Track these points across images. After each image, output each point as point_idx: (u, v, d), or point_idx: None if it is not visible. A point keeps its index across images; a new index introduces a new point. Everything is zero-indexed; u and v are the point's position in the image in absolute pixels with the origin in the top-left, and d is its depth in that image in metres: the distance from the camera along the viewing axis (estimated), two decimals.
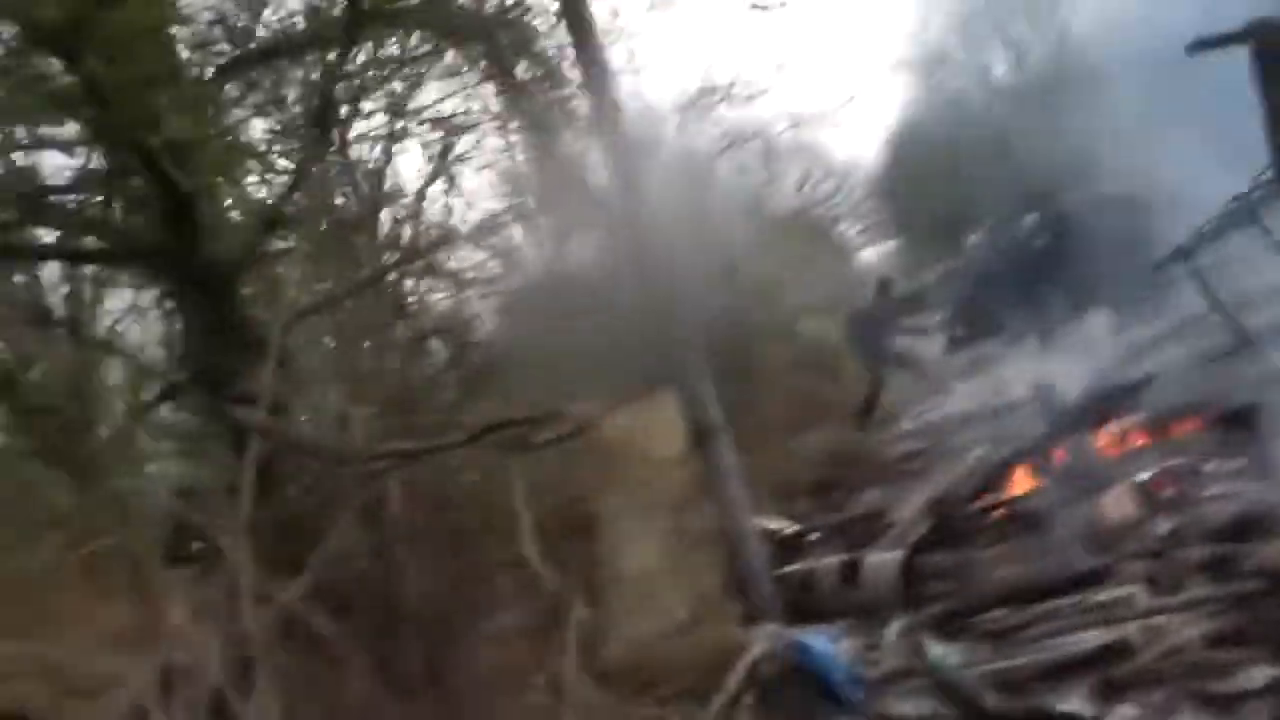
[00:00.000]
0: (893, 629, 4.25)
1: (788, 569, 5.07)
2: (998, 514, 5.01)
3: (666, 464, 4.57)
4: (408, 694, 3.42)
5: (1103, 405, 5.50)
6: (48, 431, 4.69)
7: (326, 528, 3.46)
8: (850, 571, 4.87)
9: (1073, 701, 3.31)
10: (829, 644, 4.08)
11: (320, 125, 4.86)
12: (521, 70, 6.62)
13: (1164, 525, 4.18)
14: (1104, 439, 5.18)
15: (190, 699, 2.99)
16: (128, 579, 3.46)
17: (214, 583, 3.40)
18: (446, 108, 6.71)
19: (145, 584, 3.42)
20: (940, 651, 3.85)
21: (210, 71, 5.18)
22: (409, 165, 7.30)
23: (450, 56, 6.30)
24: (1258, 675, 3.06)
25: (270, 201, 5.17)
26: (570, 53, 5.80)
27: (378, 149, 6.58)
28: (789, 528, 5.86)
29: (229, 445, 4.07)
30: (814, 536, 5.78)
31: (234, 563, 3.15)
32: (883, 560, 4.87)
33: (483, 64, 6.51)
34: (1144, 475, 4.57)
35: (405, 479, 3.62)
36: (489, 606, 3.82)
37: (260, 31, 5.36)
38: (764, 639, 4.25)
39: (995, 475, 5.25)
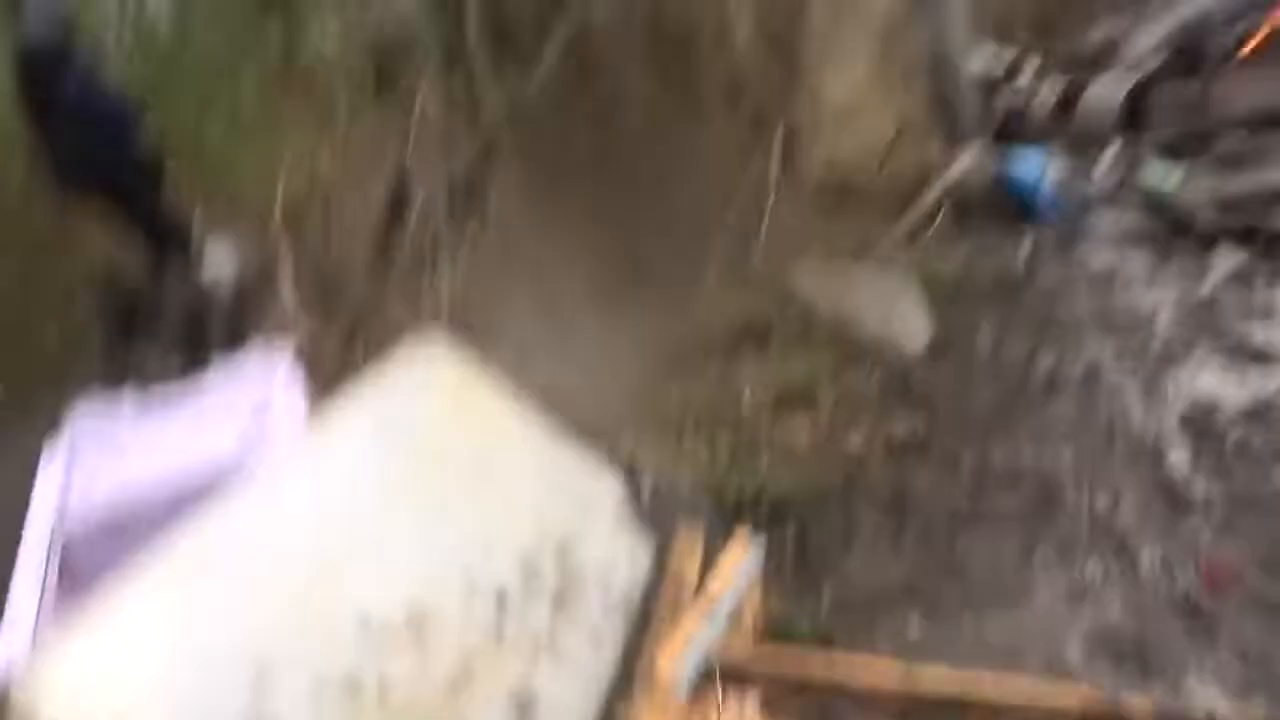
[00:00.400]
0: (1110, 150, 4.10)
1: (1000, 96, 4.82)
2: (1258, 40, 4.45)
3: None
4: (625, 187, 3.69)
5: None
6: None
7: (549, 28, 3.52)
8: (1071, 98, 4.58)
9: None
10: (1036, 163, 4.02)
11: None
12: None
13: None
14: None
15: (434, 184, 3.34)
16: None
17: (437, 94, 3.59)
18: None
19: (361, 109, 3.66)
20: (1160, 170, 3.72)
21: None
22: None
23: None
24: None
25: None
26: None
27: None
28: (1004, 58, 5.45)
29: None
30: (1032, 68, 5.37)
31: (473, 57, 3.29)
32: (1108, 87, 4.54)
33: None
34: None
35: None
36: (699, 114, 3.91)
37: None
38: (966, 159, 4.23)
39: None
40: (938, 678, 1.45)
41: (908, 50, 4.62)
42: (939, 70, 4.62)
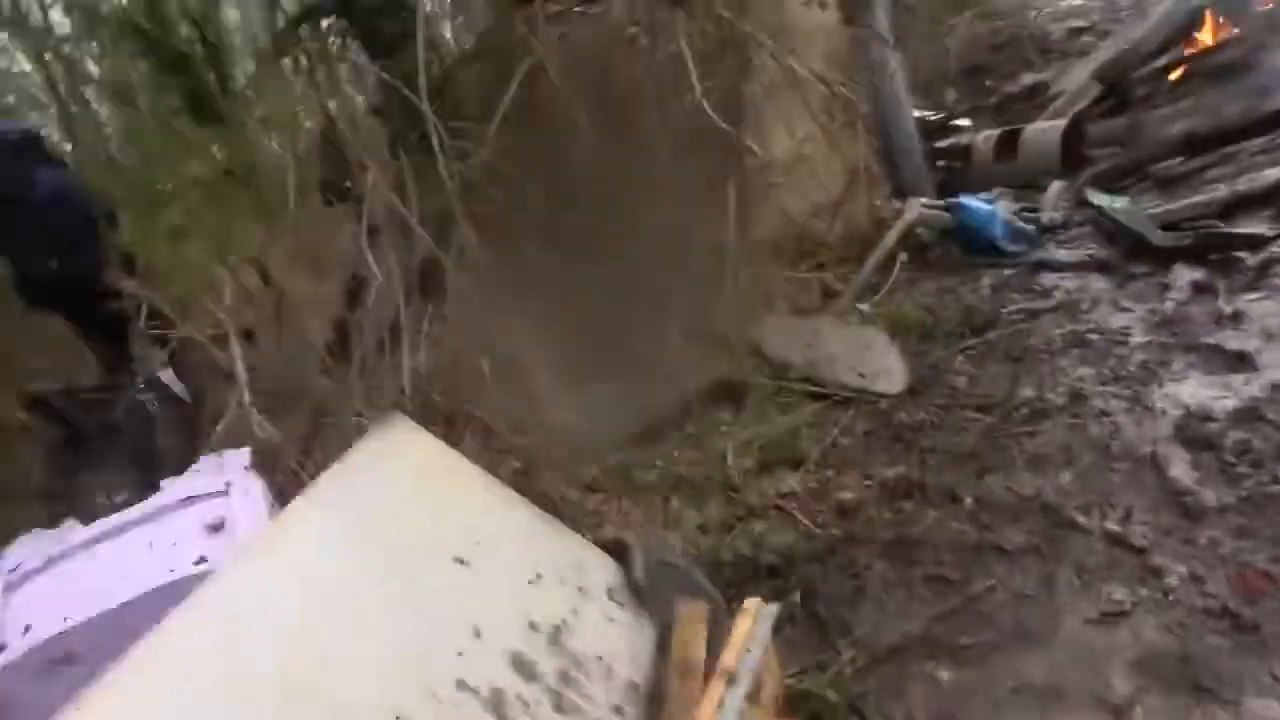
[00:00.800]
0: (1054, 187, 4.17)
1: (941, 144, 4.93)
2: (1181, 71, 4.63)
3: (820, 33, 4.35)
4: (583, 256, 3.64)
5: None
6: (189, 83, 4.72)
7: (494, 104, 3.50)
8: (1009, 141, 4.69)
9: (1250, 226, 3.25)
10: (985, 205, 4.07)
11: None
12: None
13: None
14: None
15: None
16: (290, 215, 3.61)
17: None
18: None
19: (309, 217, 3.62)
20: (1105, 199, 3.78)
21: None
22: None
23: None
24: None
25: None
26: None
27: None
28: (939, 114, 5.62)
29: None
30: (966, 121, 5.54)
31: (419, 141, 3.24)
32: (1044, 128, 4.66)
33: None
34: None
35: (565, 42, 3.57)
36: (650, 178, 3.90)
37: None
38: (917, 205, 4.28)
39: (1183, 27, 4.76)
40: None
41: (852, 105, 4.72)
42: (882, 125, 4.73)
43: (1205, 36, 4.65)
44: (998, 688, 1.84)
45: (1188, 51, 4.69)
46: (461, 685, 1.86)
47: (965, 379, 3.10)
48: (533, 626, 2.00)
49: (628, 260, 3.77)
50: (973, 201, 4.08)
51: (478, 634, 1.96)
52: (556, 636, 2.01)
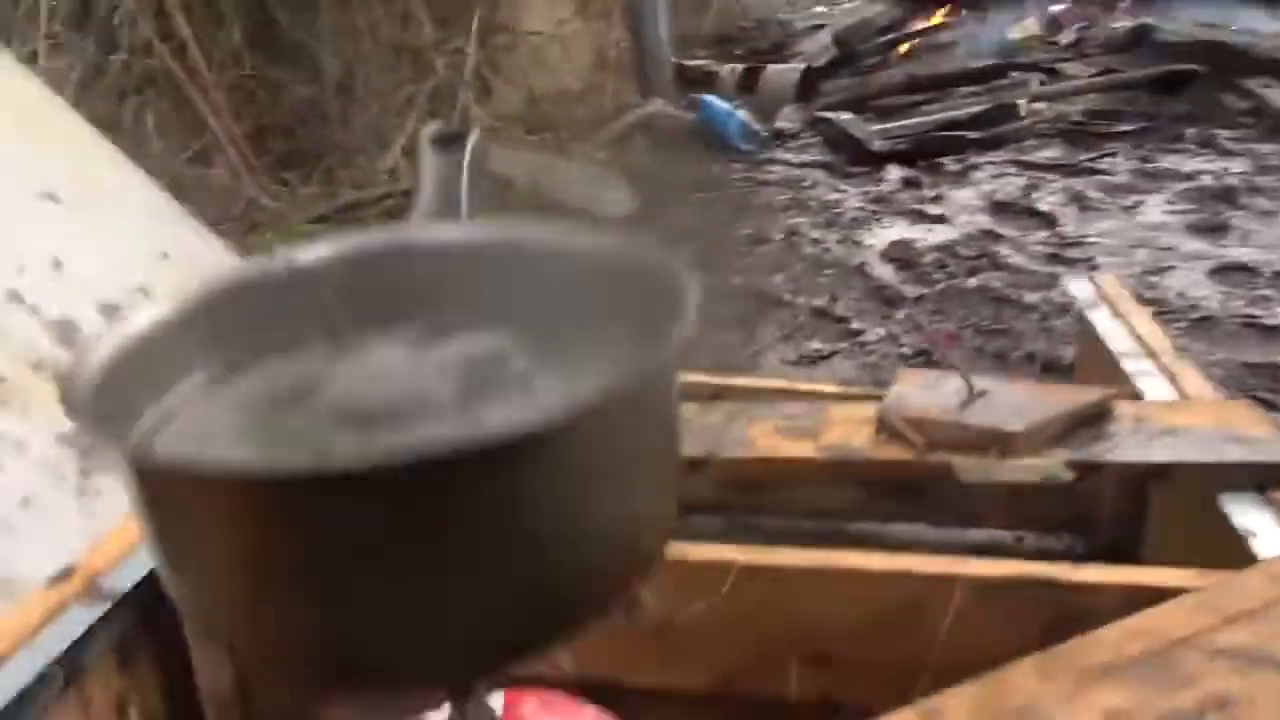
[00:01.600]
0: (788, 108, 4.30)
1: (688, 63, 4.96)
2: (908, 46, 5.00)
3: None
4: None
5: None
6: None
7: None
8: (751, 77, 4.81)
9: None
10: (725, 107, 4.09)
11: None
12: None
13: (1068, 37, 4.27)
14: None
15: None
16: None
17: None
18: None
19: None
20: (832, 115, 3.93)
21: None
22: None
23: None
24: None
25: None
26: None
27: None
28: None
29: None
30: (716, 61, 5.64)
31: None
32: (783, 69, 4.83)
33: None
34: (1057, 7, 4.59)
35: None
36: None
37: None
38: (660, 102, 4.24)
39: (911, 8, 5.18)
40: None
41: None
42: (636, 24, 4.67)
43: (935, 18, 5.07)
44: None
45: (916, 27, 5.08)
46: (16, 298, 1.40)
47: (689, 217, 3.01)
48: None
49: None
50: (714, 100, 4.10)
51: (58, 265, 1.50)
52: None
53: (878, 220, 2.83)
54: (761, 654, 0.91)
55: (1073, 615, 0.81)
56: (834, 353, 1.90)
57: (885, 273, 2.32)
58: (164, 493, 0.41)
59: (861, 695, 0.88)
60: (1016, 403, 0.98)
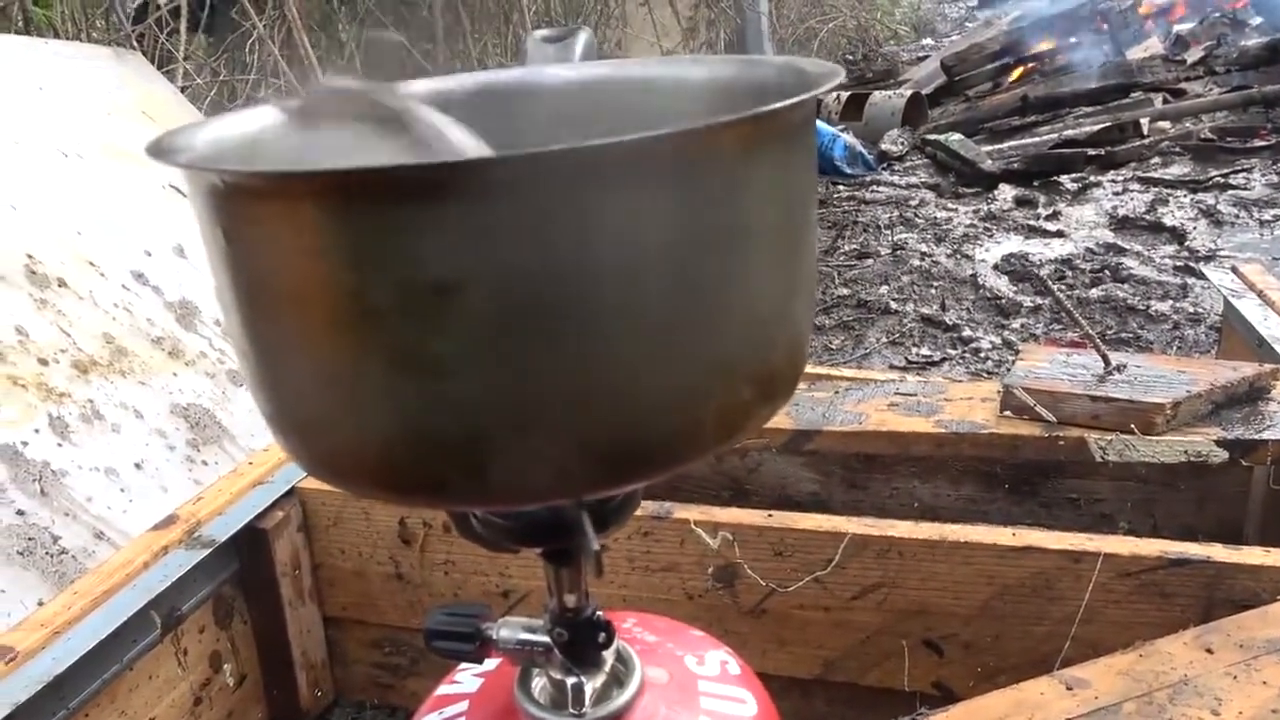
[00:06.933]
0: (895, 130, 4.21)
1: None
2: (1020, 72, 4.86)
3: None
4: None
5: None
6: None
7: None
8: (856, 103, 4.74)
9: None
10: (829, 131, 4.03)
11: None
12: None
13: (1194, 55, 4.07)
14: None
15: None
16: None
17: None
18: None
19: None
20: (941, 136, 3.82)
21: None
22: None
23: None
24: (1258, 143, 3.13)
25: None
26: None
27: None
28: None
29: None
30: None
31: None
32: (890, 94, 4.75)
33: None
34: (1182, 26, 4.39)
35: None
36: None
37: None
38: None
39: (1026, 31, 5.04)
40: None
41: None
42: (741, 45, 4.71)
43: (1048, 43, 4.92)
44: None
45: (1029, 51, 4.93)
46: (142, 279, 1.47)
47: None
48: None
49: None
50: (819, 123, 4.04)
51: (180, 252, 1.57)
52: None
53: (990, 236, 2.72)
54: (870, 637, 0.85)
55: (1232, 601, 0.73)
56: (944, 359, 1.81)
57: (999, 284, 2.22)
58: None
59: (979, 686, 0.81)
60: (1159, 376, 0.90)
